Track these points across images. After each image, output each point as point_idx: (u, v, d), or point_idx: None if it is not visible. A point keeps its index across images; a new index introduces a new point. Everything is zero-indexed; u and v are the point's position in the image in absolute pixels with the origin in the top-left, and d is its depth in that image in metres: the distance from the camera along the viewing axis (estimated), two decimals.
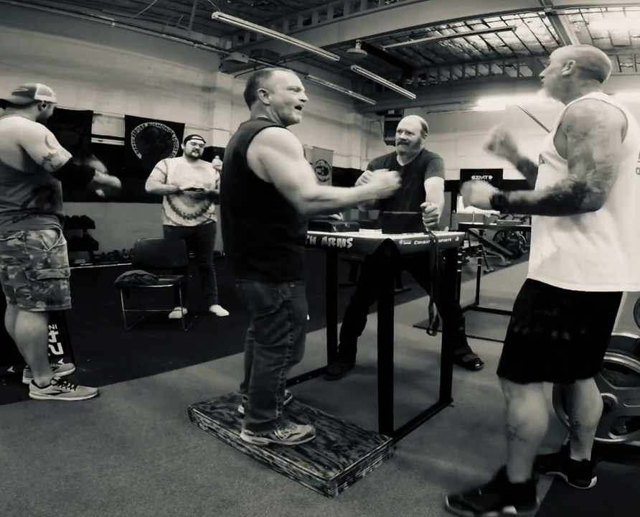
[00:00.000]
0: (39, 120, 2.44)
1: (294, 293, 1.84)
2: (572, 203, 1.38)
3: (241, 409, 2.26)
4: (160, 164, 4.15)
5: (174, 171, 4.09)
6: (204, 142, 4.33)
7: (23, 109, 2.40)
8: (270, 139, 1.68)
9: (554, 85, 1.60)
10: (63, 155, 2.34)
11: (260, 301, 1.81)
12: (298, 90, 1.83)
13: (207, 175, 4.20)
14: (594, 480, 1.80)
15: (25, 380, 2.67)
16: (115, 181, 2.60)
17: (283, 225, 1.80)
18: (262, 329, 1.88)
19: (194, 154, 4.16)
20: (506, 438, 1.63)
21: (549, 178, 1.50)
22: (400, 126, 2.88)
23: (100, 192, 2.62)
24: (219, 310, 4.45)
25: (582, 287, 1.46)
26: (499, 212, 1.59)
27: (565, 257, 1.49)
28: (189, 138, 4.22)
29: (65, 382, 2.60)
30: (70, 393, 2.56)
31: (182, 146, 4.24)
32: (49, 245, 2.45)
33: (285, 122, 1.86)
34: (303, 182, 1.66)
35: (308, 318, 1.99)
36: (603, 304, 1.52)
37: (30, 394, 2.53)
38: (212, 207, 4.25)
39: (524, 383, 1.57)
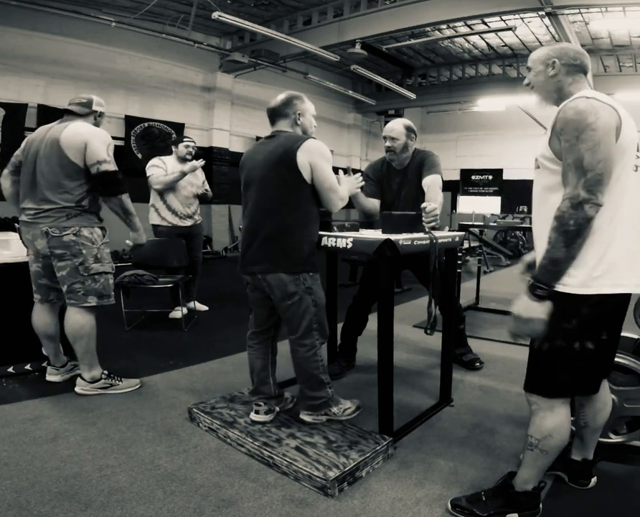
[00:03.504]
0: None
1: (313, 280, 2.09)
2: (583, 218, 1.31)
3: (254, 416, 2.21)
4: (157, 162, 4.12)
5: (172, 171, 4.09)
6: (196, 144, 4.38)
7: (82, 118, 2.53)
8: (317, 149, 2.05)
9: (545, 88, 1.55)
10: (112, 165, 2.47)
11: (284, 288, 2.05)
12: (314, 117, 2.25)
13: (197, 176, 4.26)
14: (594, 479, 1.79)
15: (49, 377, 2.70)
16: (140, 231, 2.67)
17: (312, 220, 2.10)
18: (292, 320, 2.10)
19: (187, 156, 4.17)
20: (525, 447, 1.59)
21: (546, 182, 1.47)
22: (384, 133, 2.84)
23: (132, 235, 2.68)
24: (198, 305, 4.47)
25: (575, 290, 1.40)
26: (546, 296, 1.39)
27: None
28: (181, 140, 4.24)
29: (113, 375, 2.66)
30: (120, 385, 2.64)
31: (173, 148, 4.22)
32: (99, 241, 2.55)
33: None
34: (338, 185, 2.11)
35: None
36: (610, 306, 1.45)
37: (78, 390, 2.56)
38: (199, 209, 4.36)
39: (553, 397, 1.53)
